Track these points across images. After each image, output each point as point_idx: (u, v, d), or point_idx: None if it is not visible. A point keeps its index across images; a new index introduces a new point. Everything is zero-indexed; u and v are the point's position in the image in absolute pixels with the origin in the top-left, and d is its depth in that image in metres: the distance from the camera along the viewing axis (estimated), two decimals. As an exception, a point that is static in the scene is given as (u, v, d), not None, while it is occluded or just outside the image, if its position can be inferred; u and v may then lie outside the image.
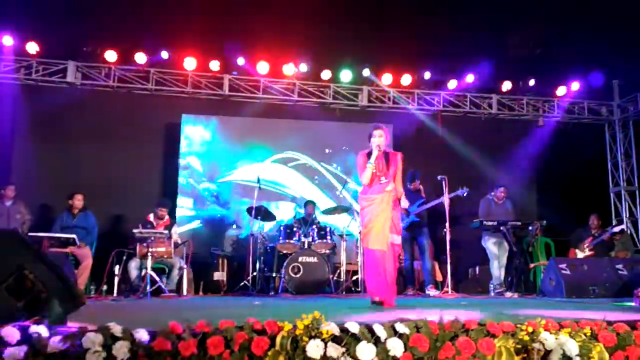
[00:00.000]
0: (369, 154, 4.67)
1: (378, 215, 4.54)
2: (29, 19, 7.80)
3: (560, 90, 9.79)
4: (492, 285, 7.55)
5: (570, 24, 8.34)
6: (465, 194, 7.27)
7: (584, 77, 9.65)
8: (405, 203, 5.00)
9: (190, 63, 8.60)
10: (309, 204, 8.08)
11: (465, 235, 8.65)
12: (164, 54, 8.54)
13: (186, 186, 8.62)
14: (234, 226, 8.55)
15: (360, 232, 5.02)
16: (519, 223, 7.51)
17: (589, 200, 9.14)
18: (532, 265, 7.95)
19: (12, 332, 1.97)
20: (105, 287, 6.72)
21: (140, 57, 8.46)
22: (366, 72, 9.12)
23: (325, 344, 2.12)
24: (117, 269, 6.58)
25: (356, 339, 2.19)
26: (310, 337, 2.13)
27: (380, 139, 4.67)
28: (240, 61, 8.78)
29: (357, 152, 4.88)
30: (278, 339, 2.11)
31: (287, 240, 7.42)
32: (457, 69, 9.39)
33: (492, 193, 7.84)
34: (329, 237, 7.47)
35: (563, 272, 6.44)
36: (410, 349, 2.18)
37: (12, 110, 8.28)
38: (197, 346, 2.03)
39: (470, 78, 9.37)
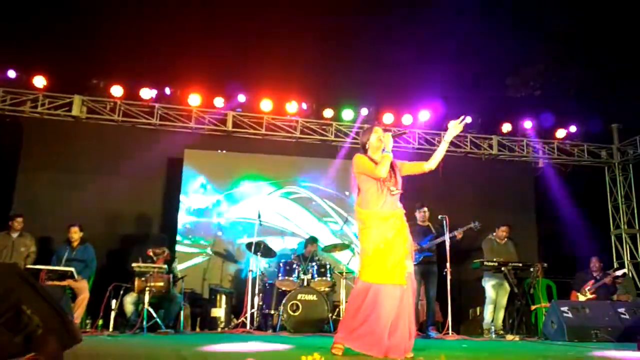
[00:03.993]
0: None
1: (394, 239, 3.62)
2: (37, 53, 7.97)
3: (560, 133, 9.88)
4: (485, 327, 7.49)
5: (570, 67, 8.50)
6: (477, 227, 7.30)
7: (584, 120, 9.76)
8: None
9: (194, 99, 8.72)
10: (310, 240, 8.04)
11: (465, 275, 8.61)
12: (168, 90, 8.67)
13: (186, 221, 8.60)
14: (233, 262, 8.48)
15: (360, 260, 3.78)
16: (520, 264, 7.47)
17: (590, 242, 9.11)
18: (533, 307, 7.87)
19: (7, 369, 1.94)
20: (101, 322, 6.63)
21: (145, 93, 8.58)
22: (364, 112, 9.27)
23: (325, 386, 2.07)
24: (113, 303, 6.52)
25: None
26: (310, 380, 2.08)
27: (388, 135, 3.84)
28: (244, 98, 8.92)
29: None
30: (277, 381, 2.06)
31: (286, 277, 7.35)
32: (457, 109, 9.51)
33: (494, 233, 7.84)
34: (328, 275, 7.41)
35: (565, 315, 6.38)
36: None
37: (16, 143, 8.34)
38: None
39: (468, 119, 9.45)
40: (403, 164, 3.96)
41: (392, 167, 3.83)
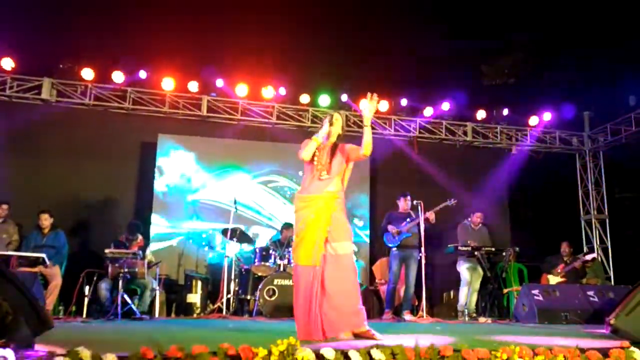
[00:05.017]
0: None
1: (313, 222, 3.65)
2: (5, 34, 7.72)
3: (533, 120, 10.01)
4: (459, 309, 7.62)
5: (543, 55, 8.61)
6: (453, 204, 7.34)
7: (556, 108, 9.89)
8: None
9: (168, 83, 8.56)
10: (285, 226, 8.03)
11: (439, 259, 8.72)
12: (142, 74, 8.50)
13: (161, 206, 8.50)
14: (208, 248, 8.43)
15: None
16: (493, 249, 7.63)
17: (560, 227, 9.29)
18: (505, 290, 8.03)
19: (-24, 355, 1.91)
20: (74, 308, 6.55)
21: (118, 76, 8.39)
22: (344, 98, 9.21)
23: (301, 369, 2.09)
24: (87, 289, 6.45)
25: (332, 364, 2.17)
26: (285, 363, 2.09)
27: (335, 127, 3.94)
28: (219, 83, 8.81)
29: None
30: (252, 365, 2.06)
31: (262, 263, 7.36)
32: (433, 96, 9.55)
33: (469, 218, 7.95)
34: (304, 261, 7.41)
35: (536, 298, 6.53)
36: (385, 375, 2.14)
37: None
38: (169, 371, 2.00)
39: (445, 106, 9.51)
40: (351, 149, 3.94)
41: (334, 152, 3.87)
